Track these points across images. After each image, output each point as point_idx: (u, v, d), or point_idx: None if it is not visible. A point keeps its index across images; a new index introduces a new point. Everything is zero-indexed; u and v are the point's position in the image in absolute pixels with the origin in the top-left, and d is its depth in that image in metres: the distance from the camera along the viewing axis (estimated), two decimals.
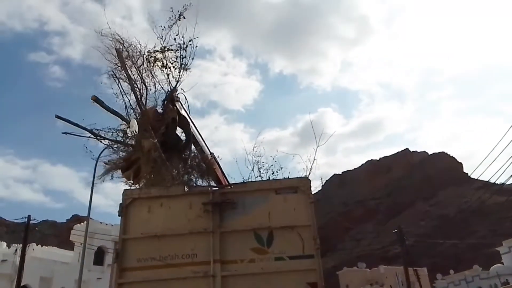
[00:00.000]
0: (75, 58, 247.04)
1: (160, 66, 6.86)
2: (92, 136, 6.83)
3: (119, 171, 6.57)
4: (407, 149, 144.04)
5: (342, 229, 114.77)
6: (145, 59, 6.81)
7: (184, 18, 6.66)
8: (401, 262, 33.87)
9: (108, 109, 6.77)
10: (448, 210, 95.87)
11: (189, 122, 6.87)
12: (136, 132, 6.34)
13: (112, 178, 6.85)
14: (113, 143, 6.92)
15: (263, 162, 6.31)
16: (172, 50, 6.78)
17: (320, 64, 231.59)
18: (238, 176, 6.64)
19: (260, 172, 6.19)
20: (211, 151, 7.06)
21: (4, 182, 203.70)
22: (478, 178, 28.75)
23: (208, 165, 6.60)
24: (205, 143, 7.06)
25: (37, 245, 30.60)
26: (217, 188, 5.26)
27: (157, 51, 6.74)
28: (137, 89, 6.74)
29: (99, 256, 31.31)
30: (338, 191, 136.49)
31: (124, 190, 5.17)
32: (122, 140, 6.77)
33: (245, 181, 5.98)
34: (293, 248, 4.67)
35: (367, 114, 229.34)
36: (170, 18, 6.61)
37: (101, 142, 6.97)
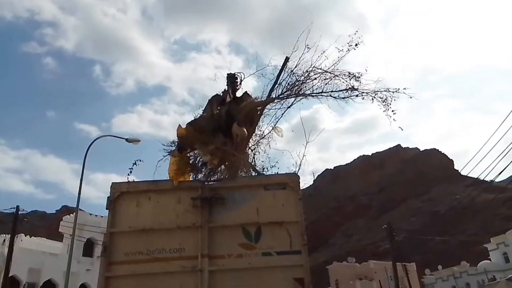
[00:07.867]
0: (67, 48, 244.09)
1: None
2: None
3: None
4: (399, 145, 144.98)
5: (334, 224, 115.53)
6: None
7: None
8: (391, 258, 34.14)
9: (282, 69, 6.48)
10: (439, 207, 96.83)
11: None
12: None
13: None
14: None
15: (253, 158, 6.24)
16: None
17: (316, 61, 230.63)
18: None
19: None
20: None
21: None
22: (468, 175, 29.01)
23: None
24: None
25: (25, 235, 30.38)
26: (206, 183, 5.24)
27: None
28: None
29: (88, 248, 31.28)
30: (330, 186, 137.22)
31: (112, 183, 5.11)
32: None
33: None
34: (281, 244, 4.68)
35: (361, 112, 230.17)
36: None
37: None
